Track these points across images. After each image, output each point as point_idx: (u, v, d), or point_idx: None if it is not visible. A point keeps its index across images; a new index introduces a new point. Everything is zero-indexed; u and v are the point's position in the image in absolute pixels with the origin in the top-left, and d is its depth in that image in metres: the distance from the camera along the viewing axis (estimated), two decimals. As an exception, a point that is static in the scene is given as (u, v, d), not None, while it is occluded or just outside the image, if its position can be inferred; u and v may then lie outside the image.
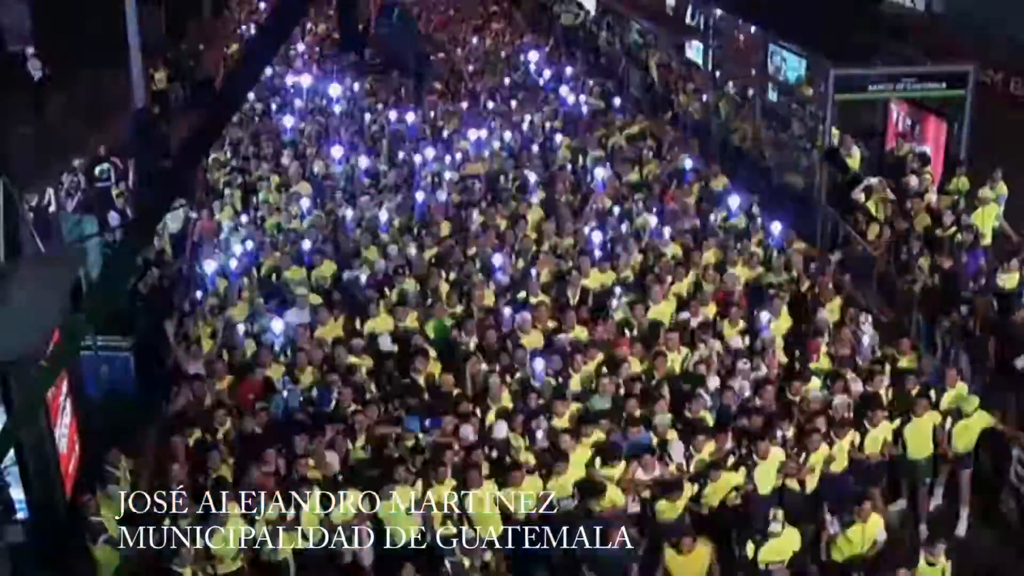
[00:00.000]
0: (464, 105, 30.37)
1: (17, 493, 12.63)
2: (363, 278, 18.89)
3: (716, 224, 21.09)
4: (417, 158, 24.77)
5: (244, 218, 22.30)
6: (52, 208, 22.10)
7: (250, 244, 20.36)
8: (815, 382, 15.89)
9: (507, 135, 26.84)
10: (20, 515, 12.88)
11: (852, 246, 20.90)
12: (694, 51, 32.60)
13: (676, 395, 15.58)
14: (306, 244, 19.86)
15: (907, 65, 23.19)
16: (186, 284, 19.93)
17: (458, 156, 25.24)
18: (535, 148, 26.00)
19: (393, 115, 28.75)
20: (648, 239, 20.18)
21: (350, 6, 37.80)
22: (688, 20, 33.69)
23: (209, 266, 19.18)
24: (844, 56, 23.23)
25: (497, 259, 19.13)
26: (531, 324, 17.05)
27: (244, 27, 43.68)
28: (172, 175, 5.83)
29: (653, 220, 20.91)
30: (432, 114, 29.25)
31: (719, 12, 29.48)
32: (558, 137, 26.71)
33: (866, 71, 23.01)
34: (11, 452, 12.16)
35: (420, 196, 22.43)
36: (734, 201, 21.61)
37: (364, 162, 24.79)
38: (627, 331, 17.42)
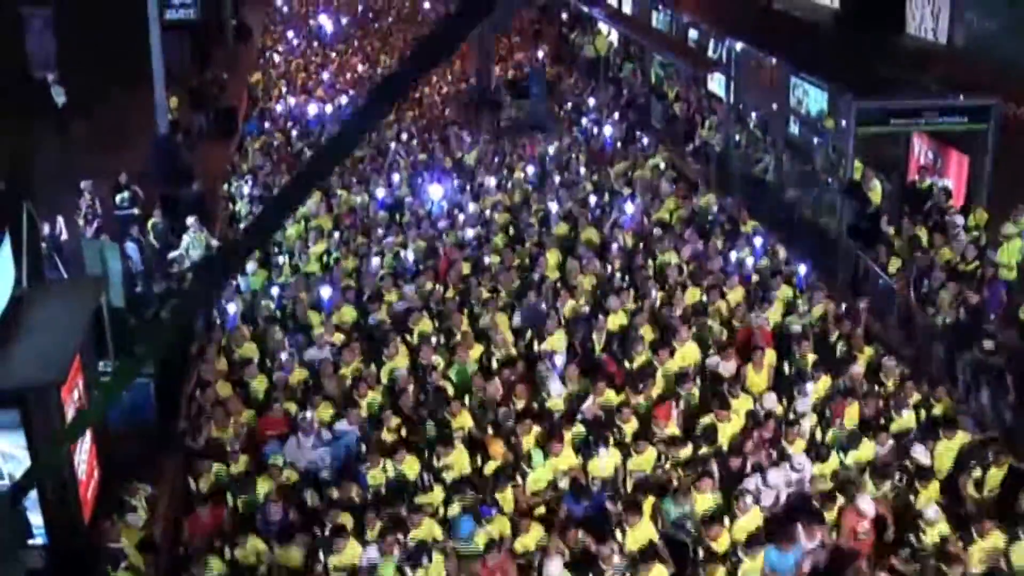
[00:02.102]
0: (484, 137, 30.43)
1: (36, 518, 12.62)
2: (381, 317, 18.61)
3: (740, 263, 20.88)
4: (437, 192, 24.66)
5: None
6: (64, 236, 22.21)
7: (274, 290, 20.22)
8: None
9: (529, 168, 26.80)
10: (38, 540, 12.86)
11: (873, 279, 20.82)
12: (716, 83, 32.57)
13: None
14: (325, 291, 19.61)
15: (929, 98, 23.12)
16: (208, 314, 19.94)
17: (480, 187, 25.21)
18: (556, 179, 25.92)
19: (415, 144, 28.84)
20: (672, 278, 19.89)
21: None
22: (710, 53, 33.69)
23: (231, 307, 19.04)
24: (866, 89, 23.19)
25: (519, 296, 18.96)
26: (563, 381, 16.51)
27: (268, 55, 43.92)
28: (243, 241, 5.92)
29: (674, 258, 20.75)
30: (452, 144, 29.28)
31: (741, 45, 29.44)
32: (581, 169, 26.65)
33: (888, 104, 22.97)
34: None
35: (442, 232, 22.23)
36: (758, 241, 21.51)
37: (381, 193, 24.74)
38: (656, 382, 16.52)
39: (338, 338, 17.93)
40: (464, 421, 15.58)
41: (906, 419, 15.86)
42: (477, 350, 17.42)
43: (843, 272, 21.94)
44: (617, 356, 17.40)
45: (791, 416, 15.88)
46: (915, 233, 21.13)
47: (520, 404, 16.07)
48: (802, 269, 19.83)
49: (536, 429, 15.21)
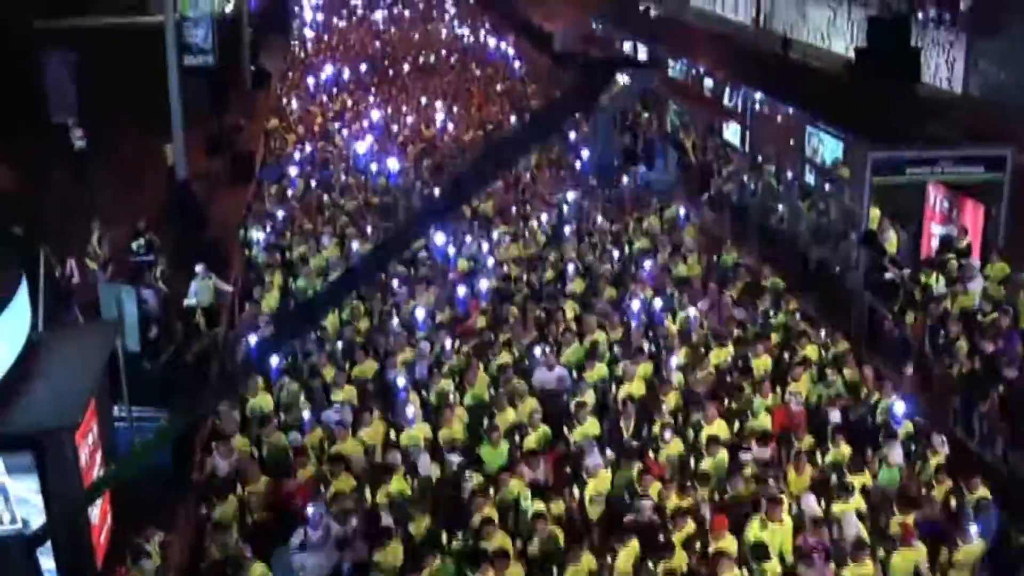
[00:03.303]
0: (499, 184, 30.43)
1: (48, 563, 12.57)
2: (400, 380, 18.02)
3: (763, 321, 20.58)
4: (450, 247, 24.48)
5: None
6: (76, 279, 22.28)
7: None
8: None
9: (544, 216, 26.73)
10: (50, 586, 12.82)
11: (889, 329, 20.78)
12: (731, 132, 32.68)
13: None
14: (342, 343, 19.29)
15: (945, 148, 23.15)
16: (221, 358, 19.95)
17: (495, 239, 25.10)
18: (572, 228, 25.89)
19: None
20: (694, 337, 19.53)
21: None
22: (726, 101, 33.81)
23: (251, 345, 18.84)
24: (881, 138, 23.23)
25: (538, 351, 18.64)
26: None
27: (285, 101, 44.16)
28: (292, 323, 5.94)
29: (694, 312, 20.47)
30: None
31: (757, 94, 29.57)
32: (599, 218, 26.56)
33: (903, 153, 22.99)
34: (42, 521, 12.18)
35: (460, 290, 21.80)
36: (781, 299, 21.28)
37: None
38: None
39: (350, 392, 17.69)
40: (503, 543, 13.84)
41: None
42: (508, 415, 16.84)
43: (858, 321, 21.89)
44: (648, 444, 16.39)
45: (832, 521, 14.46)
46: (927, 282, 21.09)
47: (556, 510, 14.70)
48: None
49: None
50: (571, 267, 23.06)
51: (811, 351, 19.00)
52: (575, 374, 18.29)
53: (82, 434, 13.07)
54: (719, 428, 16.38)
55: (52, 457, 12.29)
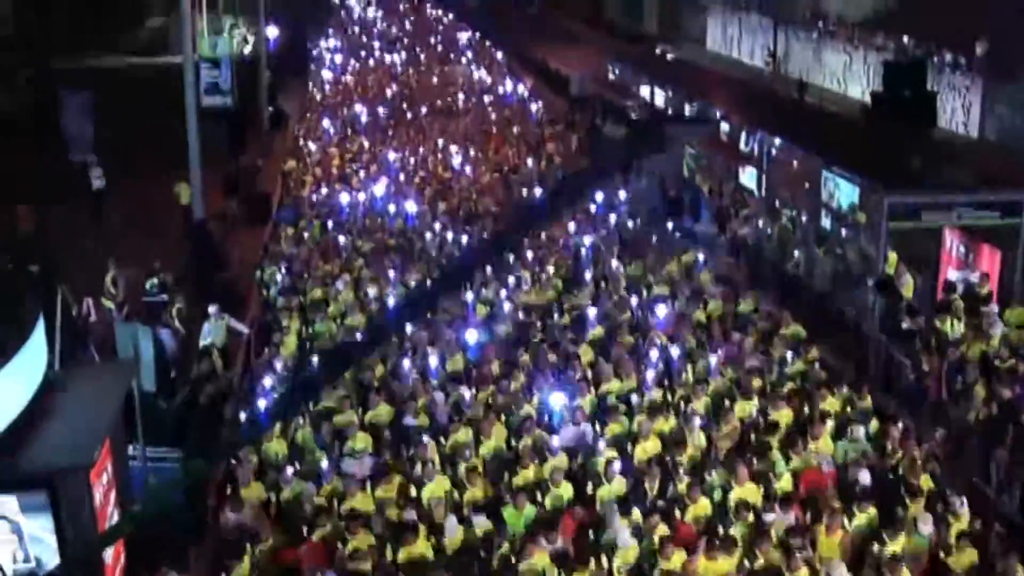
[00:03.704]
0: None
1: (61, 603, 12.56)
2: (418, 428, 17.96)
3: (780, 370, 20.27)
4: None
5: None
6: (93, 318, 22.33)
7: None
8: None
9: (561, 258, 26.64)
10: (63, 626, 12.79)
11: (905, 374, 20.70)
12: (748, 176, 32.72)
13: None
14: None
15: (961, 193, 23.12)
16: (237, 399, 19.94)
17: (511, 283, 24.94)
18: (588, 275, 25.80)
19: (450, 236, 28.82)
20: (713, 387, 19.20)
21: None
22: (742, 146, 33.87)
23: (263, 404, 18.78)
24: (898, 183, 23.22)
25: (558, 400, 18.34)
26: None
27: (302, 143, 44.34)
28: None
29: (715, 361, 20.13)
30: (485, 235, 29.19)
31: (773, 138, 29.61)
32: (614, 263, 26.56)
33: (920, 198, 22.97)
34: (55, 560, 12.17)
35: (472, 335, 21.62)
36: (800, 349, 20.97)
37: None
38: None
39: (366, 440, 17.49)
40: None
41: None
42: (529, 473, 16.51)
43: (875, 367, 21.81)
44: (673, 504, 15.93)
45: None
46: (943, 328, 21.02)
47: None
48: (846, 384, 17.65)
49: None
50: (588, 313, 22.85)
51: (832, 404, 18.66)
52: (598, 429, 17.93)
53: (97, 473, 13.07)
54: (749, 492, 15.90)
55: (66, 496, 12.29)
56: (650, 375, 19.67)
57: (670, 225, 31.40)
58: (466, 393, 19.13)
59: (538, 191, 34.46)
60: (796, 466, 16.70)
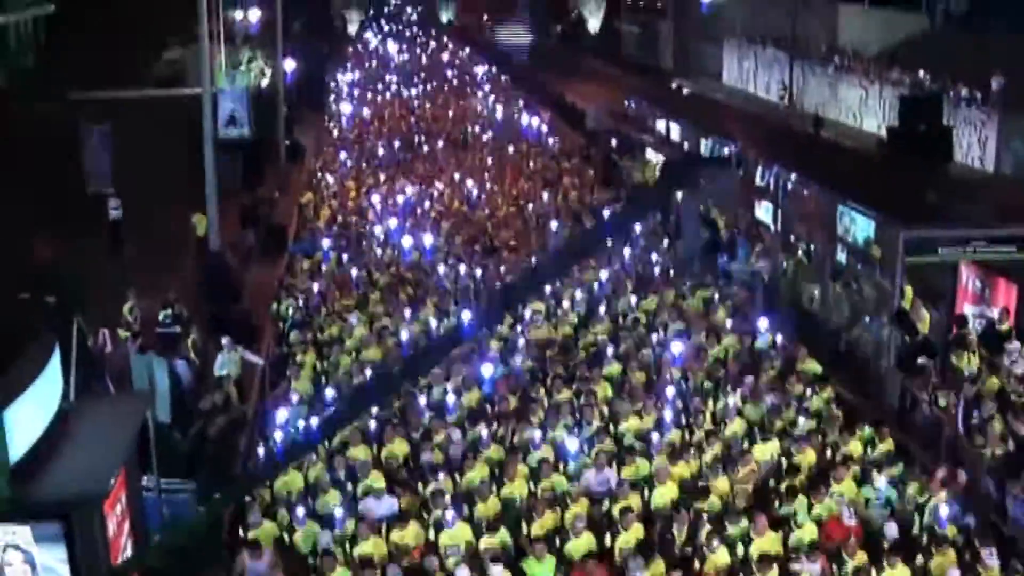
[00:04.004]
0: (532, 259, 30.43)
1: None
2: (431, 458, 17.88)
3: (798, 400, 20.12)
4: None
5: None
6: (108, 348, 22.38)
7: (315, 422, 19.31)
8: None
9: (577, 293, 26.55)
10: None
11: (921, 410, 20.63)
12: (763, 210, 32.67)
13: None
14: (373, 422, 19.13)
15: (977, 227, 23.08)
16: (251, 432, 19.94)
17: (526, 317, 24.79)
18: (603, 310, 25.65)
19: (463, 269, 28.80)
20: (733, 429, 18.96)
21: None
22: (758, 180, 33.83)
23: (280, 438, 18.70)
24: (914, 217, 23.19)
25: (571, 444, 18.11)
26: None
27: (319, 175, 44.48)
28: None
29: (733, 401, 19.93)
30: (501, 270, 29.29)
31: (789, 172, 29.57)
32: (632, 299, 26.42)
33: (936, 233, 22.92)
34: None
35: (487, 370, 21.43)
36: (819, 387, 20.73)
37: (433, 323, 24.46)
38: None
39: (380, 480, 17.27)
40: None
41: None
42: (548, 521, 16.30)
43: (891, 403, 21.74)
44: (693, 552, 15.72)
45: None
46: (958, 365, 20.95)
47: None
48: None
49: None
50: (604, 348, 22.68)
51: (855, 447, 18.39)
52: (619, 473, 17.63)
53: (111, 504, 13.08)
54: (770, 542, 15.62)
55: (80, 527, 12.30)
56: (668, 414, 19.43)
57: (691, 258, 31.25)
58: (483, 432, 18.90)
59: (556, 225, 34.44)
60: (820, 513, 16.43)
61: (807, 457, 17.90)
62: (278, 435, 18.76)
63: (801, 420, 19.45)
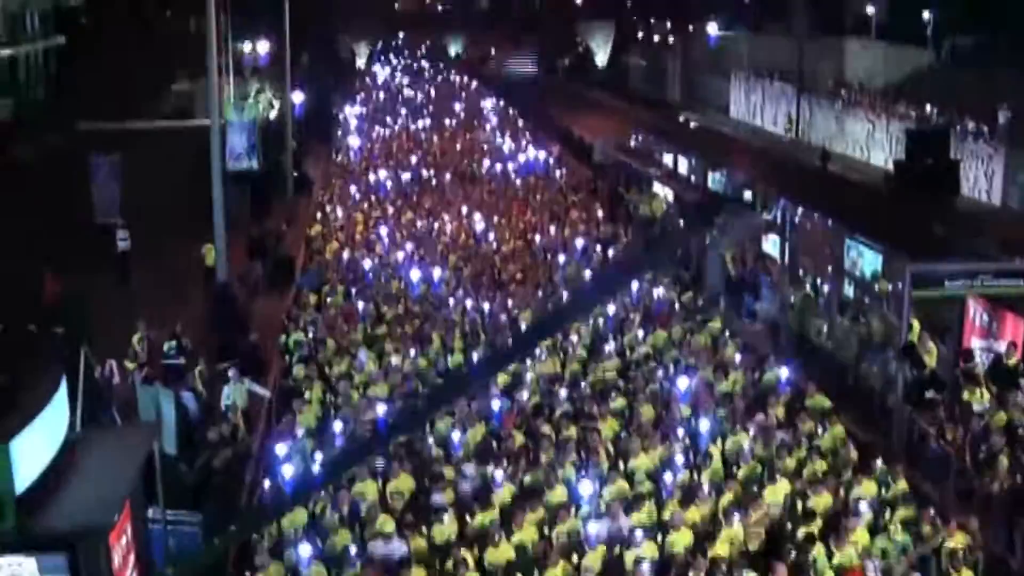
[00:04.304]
0: (539, 293, 30.40)
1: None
2: (441, 500, 17.59)
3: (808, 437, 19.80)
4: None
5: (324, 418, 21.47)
6: (116, 379, 22.40)
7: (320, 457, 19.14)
8: None
9: (583, 328, 26.47)
10: None
11: (928, 444, 20.57)
12: (771, 244, 32.71)
13: None
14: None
15: (984, 261, 23.06)
16: (257, 464, 19.90)
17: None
18: (612, 345, 25.51)
19: (470, 302, 28.75)
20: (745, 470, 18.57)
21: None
22: (765, 214, 33.89)
23: (287, 472, 18.57)
24: (921, 251, 23.19)
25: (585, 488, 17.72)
26: None
27: (327, 208, 44.55)
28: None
29: (746, 442, 19.54)
30: (508, 303, 29.21)
31: (796, 206, 29.63)
32: (640, 332, 26.32)
33: (943, 266, 22.91)
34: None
35: (495, 404, 21.22)
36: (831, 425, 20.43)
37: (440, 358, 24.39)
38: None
39: (389, 523, 16.90)
40: None
41: None
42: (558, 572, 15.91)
43: (899, 437, 21.69)
44: None
45: None
46: (967, 398, 20.90)
47: None
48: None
49: None
50: (612, 384, 22.52)
51: (868, 488, 18.05)
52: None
53: (116, 535, 13.05)
54: None
55: (86, 559, 12.27)
56: (678, 457, 19.02)
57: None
58: (498, 474, 18.50)
59: (563, 259, 34.47)
60: (840, 563, 16.04)
61: (822, 500, 17.49)
62: (287, 470, 18.60)
63: (813, 460, 19.04)
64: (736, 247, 32.93)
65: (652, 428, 20.11)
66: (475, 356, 24.56)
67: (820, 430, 20.36)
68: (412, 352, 24.88)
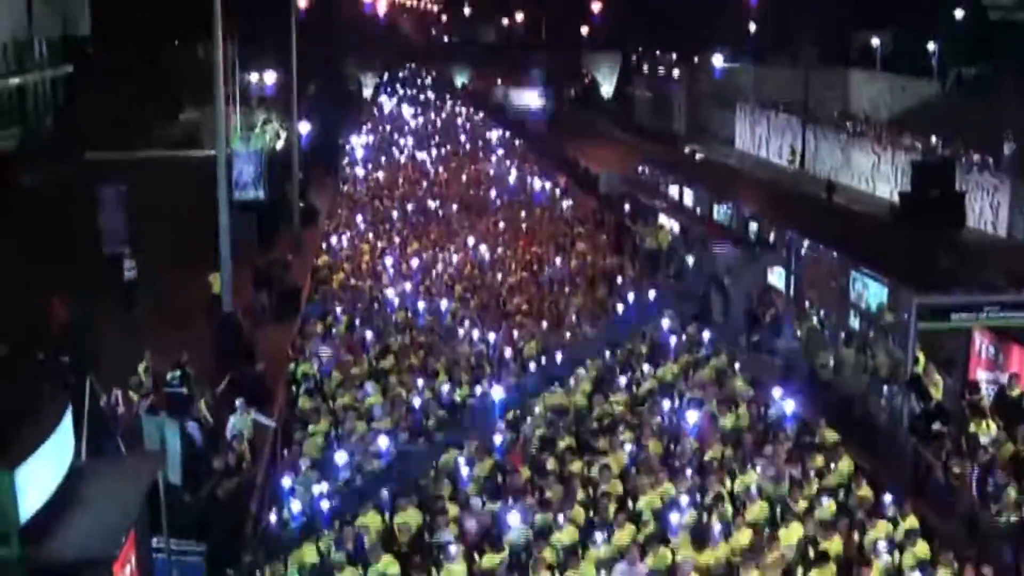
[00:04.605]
0: (544, 325, 30.34)
1: None
2: (448, 537, 17.42)
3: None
4: (498, 391, 23.49)
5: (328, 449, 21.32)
6: (121, 408, 22.40)
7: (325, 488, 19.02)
8: None
9: (588, 361, 26.30)
10: None
11: (935, 476, 20.51)
12: (776, 276, 32.67)
13: None
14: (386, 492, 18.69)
15: (991, 293, 23.04)
16: (261, 494, 19.87)
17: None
18: (623, 380, 25.26)
19: (477, 334, 28.69)
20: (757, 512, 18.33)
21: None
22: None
23: (295, 506, 18.50)
24: (926, 283, 23.18)
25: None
26: None
27: (333, 238, 44.61)
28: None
29: (754, 480, 19.33)
30: (514, 335, 29.10)
31: (801, 238, 29.61)
32: (646, 366, 26.15)
33: (949, 299, 22.88)
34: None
35: (499, 439, 21.02)
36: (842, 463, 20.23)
37: (446, 388, 24.24)
38: None
39: (393, 566, 16.75)
40: None
41: None
42: None
43: (905, 469, 21.63)
44: None
45: None
46: (973, 430, 20.85)
47: None
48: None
49: None
50: (619, 418, 22.34)
51: (881, 529, 17.85)
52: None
53: (120, 565, 13.04)
54: None
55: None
56: (684, 498, 18.66)
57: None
58: (503, 514, 18.25)
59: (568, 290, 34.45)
60: None
61: (834, 545, 17.27)
62: (296, 506, 18.46)
63: (824, 500, 18.72)
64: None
65: (659, 464, 19.87)
66: (480, 388, 24.52)
67: (831, 466, 20.14)
68: (419, 383, 24.80)
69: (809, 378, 26.10)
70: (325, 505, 18.09)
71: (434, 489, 19.03)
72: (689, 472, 19.62)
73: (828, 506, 18.49)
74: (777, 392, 23.52)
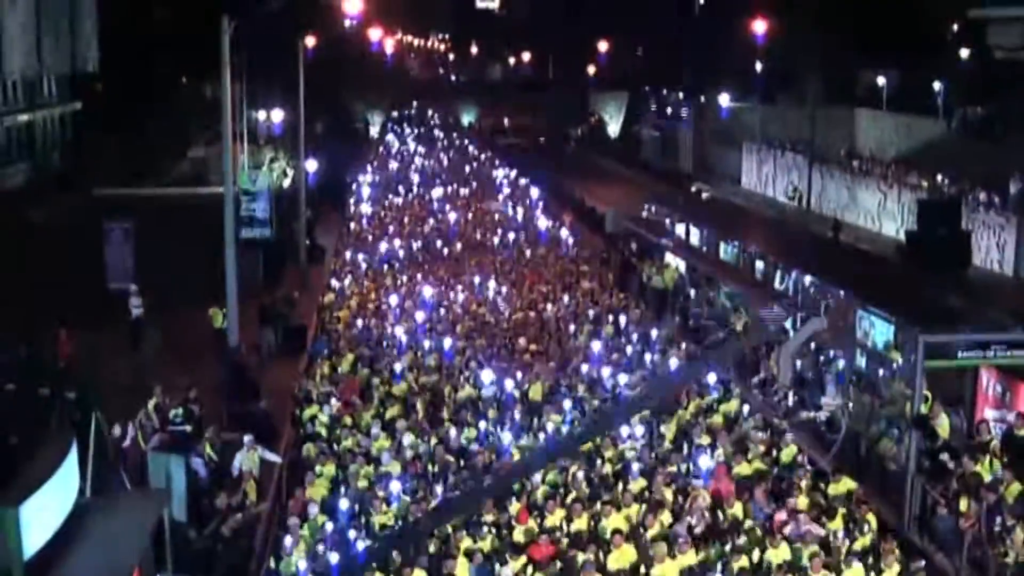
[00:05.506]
0: (551, 365, 30.28)
1: None
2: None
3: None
4: (507, 436, 23.73)
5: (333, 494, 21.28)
6: (127, 443, 22.38)
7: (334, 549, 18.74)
8: None
9: (596, 403, 26.20)
10: None
11: (942, 516, 20.43)
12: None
13: None
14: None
15: (997, 331, 23.02)
16: (266, 531, 19.82)
17: (548, 427, 24.38)
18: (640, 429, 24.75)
19: (485, 375, 28.56)
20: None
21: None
22: (777, 284, 33.88)
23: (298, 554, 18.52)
24: (933, 322, 23.15)
25: None
26: None
27: (338, 276, 44.63)
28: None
29: (777, 556, 18.63)
30: (520, 376, 28.94)
31: (808, 277, 29.60)
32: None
33: (955, 337, 22.85)
34: None
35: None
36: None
37: (452, 433, 24.18)
38: None
39: None
40: None
41: None
42: None
43: (911, 509, 21.56)
44: None
45: None
46: (980, 469, 20.78)
47: None
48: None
49: None
50: (635, 468, 21.92)
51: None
52: None
53: (124, 602, 13.02)
54: None
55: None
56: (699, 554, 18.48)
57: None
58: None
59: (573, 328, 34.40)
60: None
61: None
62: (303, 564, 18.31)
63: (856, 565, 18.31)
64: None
65: (671, 515, 19.63)
66: (484, 427, 24.48)
67: (851, 524, 19.83)
68: (425, 425, 24.73)
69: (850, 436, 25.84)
70: (334, 559, 17.99)
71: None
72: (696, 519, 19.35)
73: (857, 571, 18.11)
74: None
